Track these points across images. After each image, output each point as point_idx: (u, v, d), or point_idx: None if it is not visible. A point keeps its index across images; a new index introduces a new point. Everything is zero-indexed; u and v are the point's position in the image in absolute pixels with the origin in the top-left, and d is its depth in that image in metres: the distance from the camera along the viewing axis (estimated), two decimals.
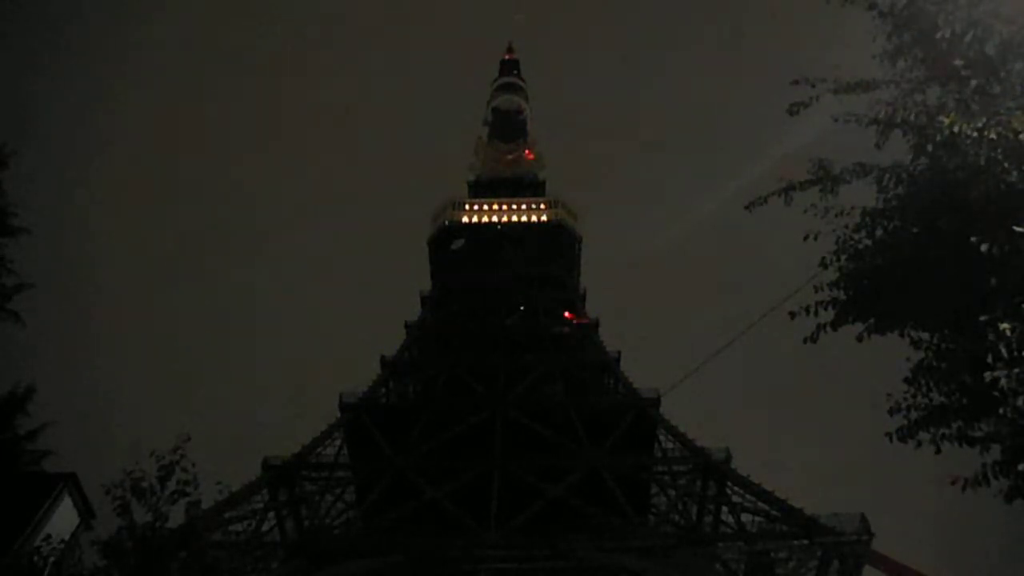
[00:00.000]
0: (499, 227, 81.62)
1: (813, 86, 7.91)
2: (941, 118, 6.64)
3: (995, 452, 6.26)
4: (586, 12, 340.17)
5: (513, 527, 46.80)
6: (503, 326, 69.62)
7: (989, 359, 6.06)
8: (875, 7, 7.84)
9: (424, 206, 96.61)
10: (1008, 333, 5.95)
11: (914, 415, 6.91)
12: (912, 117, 7.17)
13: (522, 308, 72.92)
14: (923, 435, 6.86)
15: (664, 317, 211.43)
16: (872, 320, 7.46)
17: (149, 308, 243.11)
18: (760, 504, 47.69)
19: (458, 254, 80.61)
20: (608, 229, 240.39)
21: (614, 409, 58.12)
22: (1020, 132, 6.19)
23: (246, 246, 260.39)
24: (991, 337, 6.05)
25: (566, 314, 73.26)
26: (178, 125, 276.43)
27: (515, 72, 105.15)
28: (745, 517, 48.15)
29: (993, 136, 6.28)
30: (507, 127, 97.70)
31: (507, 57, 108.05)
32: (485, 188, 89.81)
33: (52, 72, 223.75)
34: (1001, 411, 6.06)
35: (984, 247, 6.19)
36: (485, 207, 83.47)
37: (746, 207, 8.32)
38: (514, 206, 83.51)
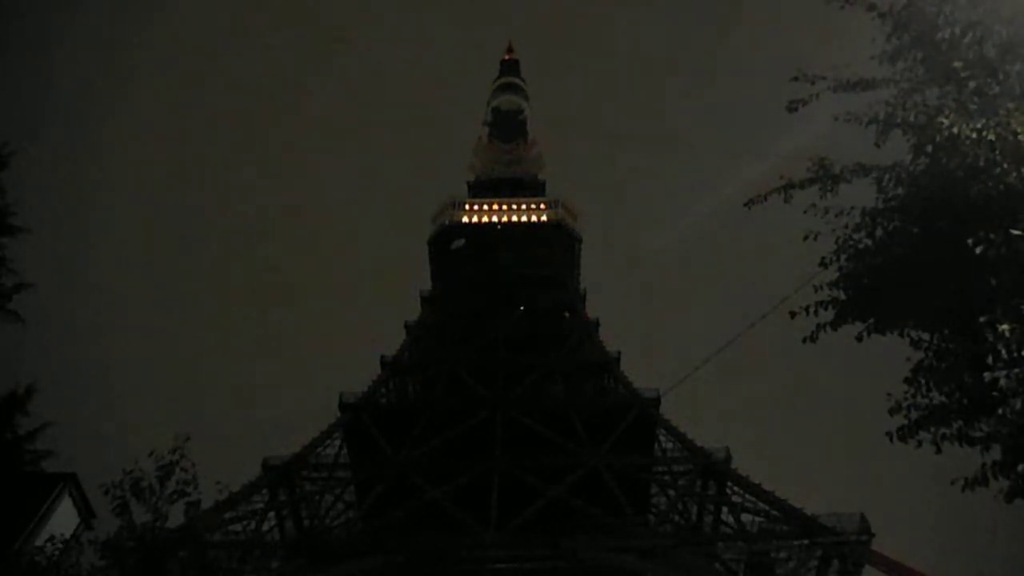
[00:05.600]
0: (499, 227, 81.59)
1: (813, 83, 7.93)
2: (940, 119, 6.65)
3: (995, 452, 6.26)
4: (586, 12, 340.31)
5: (513, 527, 46.81)
6: (503, 326, 69.64)
7: (989, 360, 6.06)
8: (874, 8, 7.85)
9: (424, 206, 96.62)
10: (1007, 334, 5.95)
11: (914, 415, 6.90)
12: (912, 117, 7.18)
13: (522, 308, 72.93)
14: (923, 435, 6.85)
15: (664, 317, 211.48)
16: (872, 320, 7.46)
17: (149, 308, 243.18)
18: (760, 504, 47.73)
19: (458, 254, 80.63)
20: (608, 229, 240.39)
21: (614, 409, 58.15)
22: (1019, 133, 6.20)
23: (246, 246, 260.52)
24: (990, 338, 6.05)
25: (566, 314, 73.29)
26: (178, 125, 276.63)
27: (515, 72, 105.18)
28: (745, 517, 48.19)
29: (992, 137, 6.29)
30: (507, 127, 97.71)
31: (507, 57, 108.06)
32: (485, 188, 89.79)
33: (53, 72, 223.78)
34: (1001, 411, 6.06)
35: (979, 250, 6.19)
36: (485, 207, 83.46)
37: (745, 204, 8.33)
38: (514, 206, 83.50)
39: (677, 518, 53.14)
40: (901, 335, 7.30)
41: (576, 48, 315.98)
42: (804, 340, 7.69)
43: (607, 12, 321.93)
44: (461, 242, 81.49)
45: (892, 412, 6.96)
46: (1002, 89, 6.91)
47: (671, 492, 53.87)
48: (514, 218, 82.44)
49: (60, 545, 13.23)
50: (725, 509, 50.08)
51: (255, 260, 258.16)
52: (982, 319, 6.20)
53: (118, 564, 12.46)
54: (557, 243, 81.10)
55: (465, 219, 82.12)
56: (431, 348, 68.34)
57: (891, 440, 6.99)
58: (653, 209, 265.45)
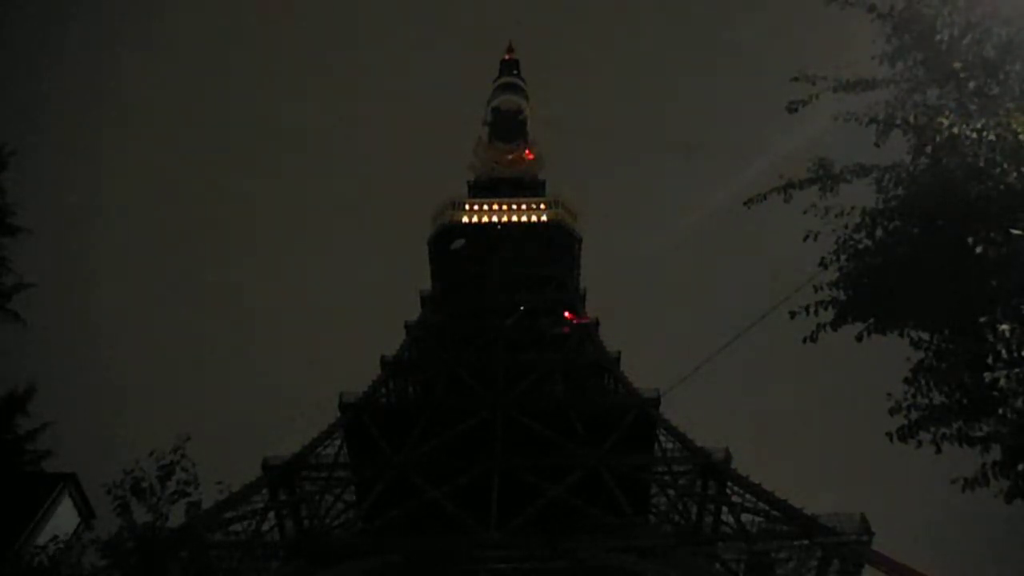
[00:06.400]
0: (499, 227, 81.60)
1: (813, 83, 7.94)
2: (940, 119, 6.66)
3: (995, 452, 6.26)
4: (586, 12, 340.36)
5: (513, 527, 46.81)
6: (503, 326, 69.64)
7: (989, 360, 6.07)
8: (874, 9, 7.86)
9: (424, 206, 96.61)
10: (1007, 334, 5.96)
11: (914, 415, 6.90)
12: (912, 118, 7.20)
13: (522, 308, 72.94)
14: (923, 435, 6.85)
15: (664, 317, 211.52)
16: (872, 320, 7.46)
17: (149, 308, 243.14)
18: (760, 504, 47.70)
19: (458, 254, 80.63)
20: (608, 229, 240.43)
21: (614, 409, 58.15)
22: (1019, 133, 6.21)
23: (247, 245, 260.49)
24: (990, 338, 6.06)
25: (566, 314, 73.29)
26: (179, 124, 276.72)
27: (515, 72, 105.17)
28: (745, 517, 48.16)
29: (992, 137, 6.30)
30: (507, 127, 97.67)
31: (507, 57, 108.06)
32: (485, 188, 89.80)
33: (53, 72, 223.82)
34: (1001, 411, 6.06)
35: (979, 249, 6.20)
36: (485, 207, 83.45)
37: (745, 203, 8.35)
38: (514, 206, 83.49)
39: (677, 518, 53.10)
40: (901, 335, 7.30)
41: (576, 48, 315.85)
42: (804, 340, 7.70)
43: (607, 12, 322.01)
44: (461, 242, 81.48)
45: (892, 412, 6.96)
46: (1002, 89, 6.92)
47: (671, 492, 53.85)
48: (514, 218, 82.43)
49: (60, 545, 13.23)
50: (725, 509, 50.05)
51: (255, 260, 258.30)
52: (982, 319, 6.20)
53: (118, 564, 12.46)
54: (557, 243, 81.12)
55: (465, 219, 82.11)
56: (431, 348, 68.36)
57: (891, 440, 6.99)
58: (653, 209, 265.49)
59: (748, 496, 48.59)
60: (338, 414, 57.91)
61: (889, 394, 7.04)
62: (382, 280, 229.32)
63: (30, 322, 18.78)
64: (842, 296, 7.53)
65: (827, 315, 7.56)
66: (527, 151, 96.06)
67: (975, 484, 6.16)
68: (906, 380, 7.01)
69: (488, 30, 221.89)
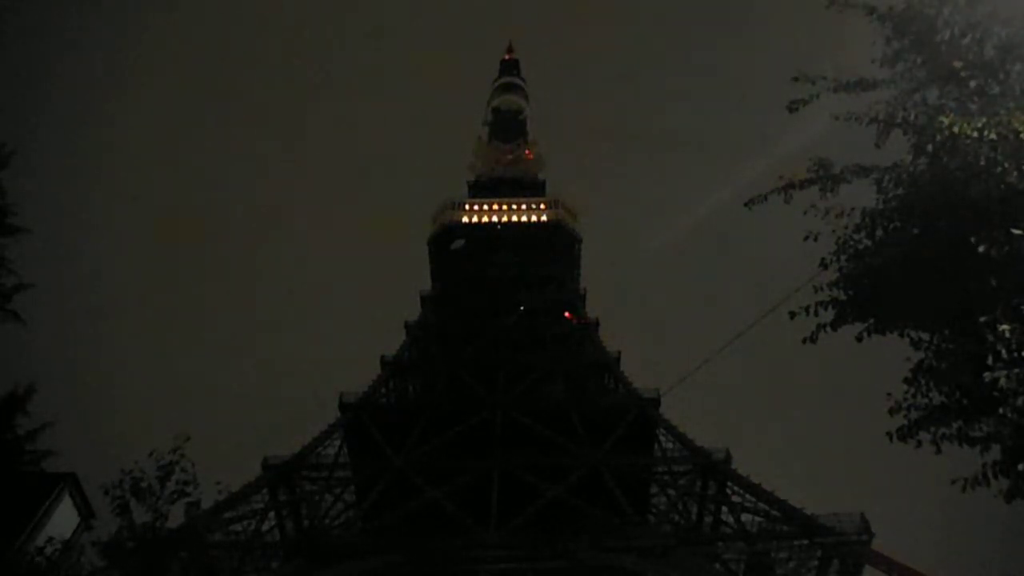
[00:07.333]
0: (499, 227, 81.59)
1: (813, 83, 7.94)
2: (941, 119, 6.66)
3: (995, 452, 6.26)
4: (586, 12, 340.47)
5: (513, 527, 46.82)
6: (503, 326, 69.59)
7: (989, 360, 6.07)
8: (874, 11, 7.86)
9: (424, 206, 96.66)
10: (1007, 334, 5.96)
11: (914, 415, 6.91)
12: (912, 117, 7.20)
13: (522, 308, 72.90)
14: (923, 435, 6.86)
15: (664, 317, 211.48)
16: (872, 320, 7.46)
17: (149, 308, 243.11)
18: (760, 504, 47.71)
19: (458, 254, 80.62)
20: (608, 229, 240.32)
21: (614, 409, 58.15)
22: (1020, 132, 6.20)
23: (246, 245, 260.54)
24: (990, 338, 6.06)
25: (566, 314, 73.27)
26: (178, 124, 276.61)
27: (515, 72, 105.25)
28: (745, 517, 48.17)
29: (993, 137, 6.29)
30: (507, 127, 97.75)
31: (507, 57, 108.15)
32: (485, 188, 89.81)
33: (53, 71, 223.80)
34: (1001, 411, 6.06)
35: (982, 248, 6.20)
36: (485, 207, 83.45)
37: (746, 204, 8.35)
38: (514, 206, 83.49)
39: (677, 518, 53.11)
40: (901, 335, 7.30)
41: (576, 48, 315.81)
42: (804, 340, 7.69)
43: (607, 12, 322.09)
44: (461, 242, 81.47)
45: (892, 412, 6.97)
46: (1002, 89, 6.92)
47: (671, 492, 53.86)
48: (514, 218, 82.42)
49: (59, 545, 13.24)
50: (725, 509, 50.06)
51: (255, 260, 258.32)
52: (982, 319, 6.20)
53: (118, 564, 12.47)
54: (557, 243, 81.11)
55: (465, 219, 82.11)
56: (431, 348, 68.34)
57: (891, 440, 7.00)
58: (653, 209, 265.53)
59: (748, 496, 48.60)
60: (338, 414, 57.92)
61: (889, 394, 7.04)
62: (382, 280, 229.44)
63: (30, 322, 18.79)
64: (842, 296, 7.53)
65: (827, 315, 7.56)
66: (527, 151, 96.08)
67: (975, 484, 6.16)
68: (906, 380, 7.01)
69: (488, 30, 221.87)
